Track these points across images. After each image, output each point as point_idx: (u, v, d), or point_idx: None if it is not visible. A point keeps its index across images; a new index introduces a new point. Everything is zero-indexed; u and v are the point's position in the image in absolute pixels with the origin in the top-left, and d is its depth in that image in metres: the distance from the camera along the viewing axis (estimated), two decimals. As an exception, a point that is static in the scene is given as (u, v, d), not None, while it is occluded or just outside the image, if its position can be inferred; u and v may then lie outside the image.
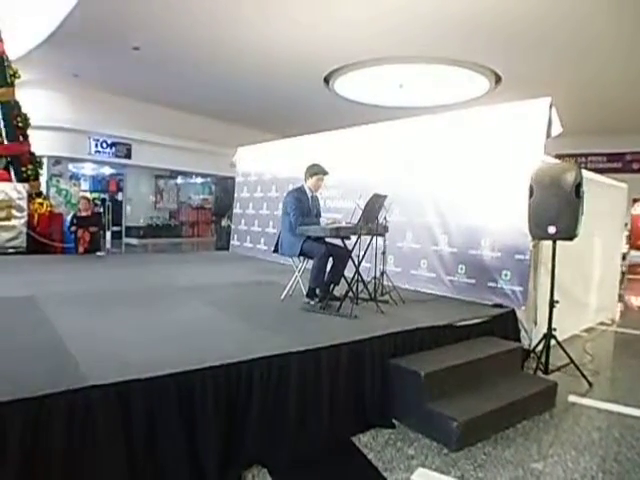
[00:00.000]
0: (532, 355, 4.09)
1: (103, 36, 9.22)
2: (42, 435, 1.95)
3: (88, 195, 12.46)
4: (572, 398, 3.57)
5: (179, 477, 2.24)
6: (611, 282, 6.57)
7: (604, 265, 6.02)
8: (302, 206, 4.37)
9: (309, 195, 4.51)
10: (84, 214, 8.02)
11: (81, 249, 7.86)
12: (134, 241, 16.60)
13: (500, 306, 4.38)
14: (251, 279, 5.77)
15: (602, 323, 6.02)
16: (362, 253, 4.27)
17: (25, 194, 8.45)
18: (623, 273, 9.41)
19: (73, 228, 7.92)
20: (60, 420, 1.99)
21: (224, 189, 16.77)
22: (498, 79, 10.63)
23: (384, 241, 4.72)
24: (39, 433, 1.94)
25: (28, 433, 1.92)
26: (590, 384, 3.83)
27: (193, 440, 2.34)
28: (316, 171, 4.48)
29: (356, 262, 4.15)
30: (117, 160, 15.16)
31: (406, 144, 5.56)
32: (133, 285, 5.14)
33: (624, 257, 10.47)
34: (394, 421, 3.07)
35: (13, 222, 8.22)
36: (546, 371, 3.90)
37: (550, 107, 4.23)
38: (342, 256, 4.28)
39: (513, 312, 4.35)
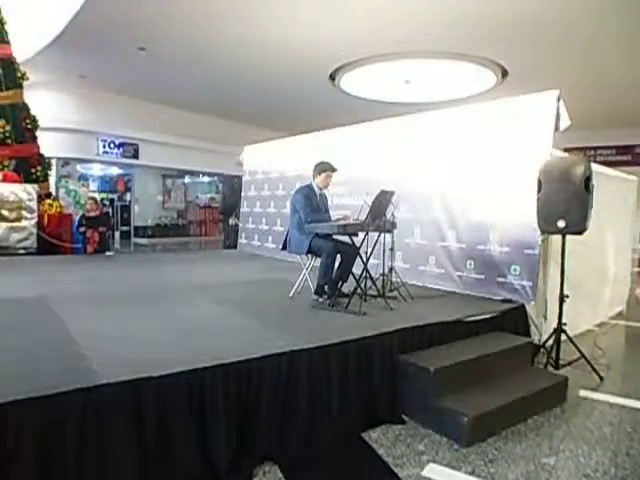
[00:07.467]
0: (542, 350, 4.07)
1: (109, 37, 9.28)
2: (56, 433, 1.97)
3: (95, 195, 12.53)
4: (583, 393, 3.55)
5: (191, 474, 2.26)
6: (622, 276, 6.51)
7: (615, 259, 5.97)
8: (311, 203, 4.37)
9: (317, 193, 4.51)
10: (92, 214, 8.07)
11: (90, 249, 7.90)
12: (143, 241, 16.72)
13: (509, 301, 4.37)
14: (260, 277, 5.80)
15: (613, 317, 5.98)
16: (370, 250, 4.26)
17: (35, 195, 8.51)
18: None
19: (82, 229, 7.96)
20: (73, 418, 2.01)
21: (231, 188, 16.77)
22: (505, 73, 10.56)
23: (392, 237, 4.71)
24: (53, 431, 1.97)
25: (42, 431, 1.94)
26: (601, 378, 3.80)
27: (205, 437, 2.36)
28: (324, 168, 4.48)
29: (364, 259, 4.16)
30: (125, 160, 15.25)
31: (413, 140, 5.54)
32: (143, 284, 5.18)
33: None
34: (404, 417, 3.07)
35: (24, 223, 8.29)
36: (557, 366, 3.88)
37: (558, 100, 4.20)
38: (350, 253, 4.28)
39: (523, 307, 4.33)
